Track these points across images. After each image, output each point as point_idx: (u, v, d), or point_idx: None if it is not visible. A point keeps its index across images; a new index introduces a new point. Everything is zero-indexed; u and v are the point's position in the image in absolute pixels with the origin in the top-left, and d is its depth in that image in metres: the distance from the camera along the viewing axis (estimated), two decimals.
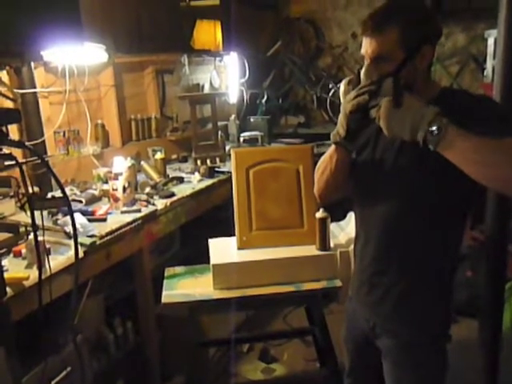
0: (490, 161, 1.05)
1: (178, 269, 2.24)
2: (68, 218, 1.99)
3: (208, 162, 3.14)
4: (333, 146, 1.35)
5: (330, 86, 4.98)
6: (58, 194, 2.33)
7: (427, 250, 1.31)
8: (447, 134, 1.06)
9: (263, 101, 4.78)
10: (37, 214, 1.22)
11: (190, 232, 3.10)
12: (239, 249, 2.10)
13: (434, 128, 1.06)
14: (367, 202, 1.40)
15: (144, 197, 2.48)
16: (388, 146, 1.30)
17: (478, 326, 1.79)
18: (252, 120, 4.21)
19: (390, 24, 1.19)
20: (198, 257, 2.28)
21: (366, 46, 1.24)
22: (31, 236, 1.74)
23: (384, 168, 1.30)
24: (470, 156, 1.06)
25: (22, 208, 2.09)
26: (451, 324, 1.39)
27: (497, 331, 1.72)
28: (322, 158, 1.44)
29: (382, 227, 1.35)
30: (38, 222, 1.23)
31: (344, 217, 2.61)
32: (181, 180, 2.85)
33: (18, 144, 1.14)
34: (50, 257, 1.73)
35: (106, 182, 2.51)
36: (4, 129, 1.10)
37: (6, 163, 1.12)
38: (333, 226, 2.31)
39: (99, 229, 2.05)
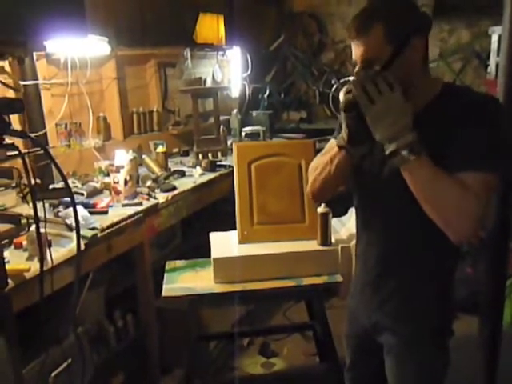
0: (438, 203, 1.12)
1: (179, 262, 2.24)
2: (69, 210, 2.00)
3: (209, 156, 3.14)
4: (335, 149, 1.31)
5: (333, 81, 4.96)
6: (59, 186, 2.33)
7: (431, 250, 1.30)
8: (416, 161, 1.11)
9: (265, 95, 4.77)
10: (39, 205, 1.22)
11: (191, 226, 3.11)
12: (240, 243, 2.10)
13: (406, 151, 1.11)
14: (368, 205, 1.39)
15: (145, 190, 2.48)
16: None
17: (477, 322, 1.79)
18: (254, 114, 4.21)
19: (373, 22, 1.15)
20: (199, 250, 2.28)
21: (355, 51, 1.20)
22: (32, 228, 1.74)
23: (384, 171, 1.29)
24: (422, 192, 1.14)
25: (23, 199, 2.09)
26: (453, 320, 1.39)
27: (497, 328, 1.73)
28: (321, 159, 1.39)
29: (384, 230, 1.34)
30: (40, 213, 1.22)
31: (345, 212, 2.61)
32: (182, 174, 2.85)
33: (21, 134, 1.13)
34: (51, 249, 1.73)
35: (108, 175, 2.51)
36: (6, 118, 1.09)
37: (9, 153, 1.11)
38: (334, 222, 2.30)
39: (100, 221, 2.05)
